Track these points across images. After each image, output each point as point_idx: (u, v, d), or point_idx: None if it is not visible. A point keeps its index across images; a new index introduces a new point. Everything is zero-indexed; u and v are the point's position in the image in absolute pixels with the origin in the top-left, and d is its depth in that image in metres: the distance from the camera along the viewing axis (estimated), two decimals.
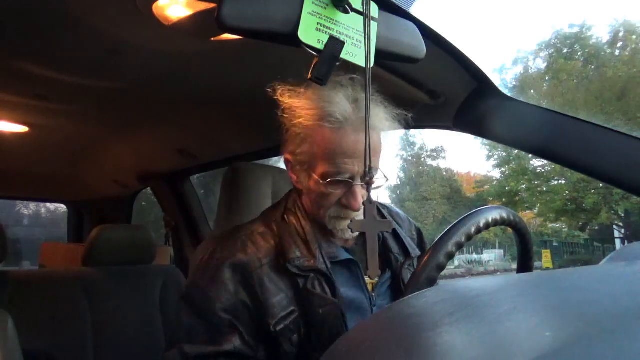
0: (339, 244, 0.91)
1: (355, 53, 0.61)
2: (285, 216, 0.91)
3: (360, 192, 0.83)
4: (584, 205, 14.30)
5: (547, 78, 16.81)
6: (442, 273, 0.75)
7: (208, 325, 0.83)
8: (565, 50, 16.48)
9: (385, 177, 0.86)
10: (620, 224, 15.11)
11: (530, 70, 17.86)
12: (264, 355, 0.85)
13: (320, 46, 0.58)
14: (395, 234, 0.98)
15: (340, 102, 0.82)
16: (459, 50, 0.97)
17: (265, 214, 0.96)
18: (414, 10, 0.79)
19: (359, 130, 0.81)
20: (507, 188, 16.35)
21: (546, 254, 15.20)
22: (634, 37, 15.03)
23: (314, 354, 0.81)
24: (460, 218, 0.78)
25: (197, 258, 0.94)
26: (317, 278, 0.83)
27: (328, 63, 0.58)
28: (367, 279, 0.89)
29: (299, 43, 0.57)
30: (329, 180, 0.83)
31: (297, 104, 0.85)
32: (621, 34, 15.32)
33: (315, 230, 0.88)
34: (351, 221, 0.67)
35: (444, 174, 26.97)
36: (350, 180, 0.83)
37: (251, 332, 0.83)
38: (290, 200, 0.93)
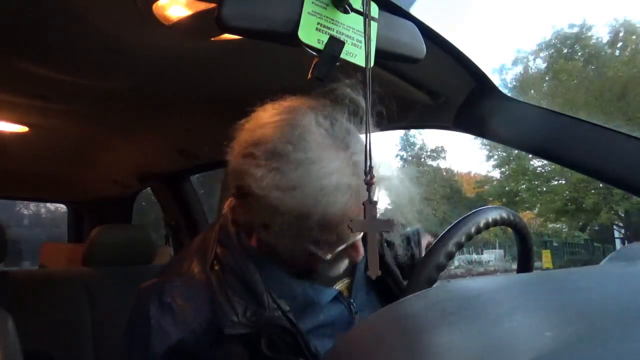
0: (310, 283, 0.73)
1: (355, 53, 0.61)
2: (220, 254, 0.70)
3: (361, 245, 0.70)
4: (584, 205, 14.31)
5: (547, 78, 16.82)
6: (442, 273, 0.75)
7: None
8: (565, 50, 16.48)
9: None
10: (620, 224, 15.11)
11: (530, 70, 17.86)
12: None
13: (320, 46, 0.58)
14: None
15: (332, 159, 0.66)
16: (459, 50, 0.97)
17: (201, 248, 0.74)
18: (414, 10, 0.79)
19: None
20: (507, 188, 16.37)
21: (546, 254, 15.22)
22: (634, 37, 15.03)
23: None
24: (460, 218, 0.78)
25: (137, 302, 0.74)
26: (276, 333, 0.65)
27: (328, 63, 0.58)
28: (341, 285, 0.79)
29: (299, 43, 0.57)
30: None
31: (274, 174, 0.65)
32: (621, 34, 15.33)
33: (271, 273, 0.69)
34: (351, 221, 0.58)
35: (444, 174, 26.96)
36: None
37: None
38: (223, 234, 0.72)
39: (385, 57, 0.66)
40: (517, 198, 16.04)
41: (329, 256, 0.68)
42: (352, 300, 0.78)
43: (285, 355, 0.64)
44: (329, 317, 0.74)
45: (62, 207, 3.30)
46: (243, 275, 0.68)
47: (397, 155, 27.65)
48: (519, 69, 18.27)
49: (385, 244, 0.91)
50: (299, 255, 0.69)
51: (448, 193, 25.64)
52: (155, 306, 0.68)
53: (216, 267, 0.69)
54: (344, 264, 0.74)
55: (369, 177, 0.58)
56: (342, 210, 0.64)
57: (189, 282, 0.69)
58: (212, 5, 0.85)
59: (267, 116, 0.72)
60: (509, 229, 0.85)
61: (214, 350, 0.64)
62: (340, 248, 0.68)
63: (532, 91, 16.26)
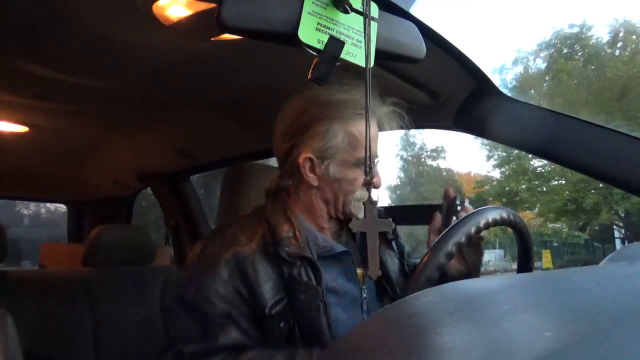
0: (330, 237, 0.96)
1: (355, 53, 0.61)
2: (273, 213, 0.94)
3: (379, 173, 0.96)
4: (584, 205, 14.28)
5: (547, 78, 16.79)
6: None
7: (203, 319, 0.83)
8: (565, 50, 16.45)
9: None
10: (620, 224, 15.10)
11: (530, 70, 17.82)
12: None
13: (320, 46, 0.58)
14: None
15: (358, 93, 0.89)
16: (459, 50, 0.97)
17: (252, 213, 0.99)
18: (414, 10, 0.79)
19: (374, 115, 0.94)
20: (507, 188, 16.34)
21: (546, 254, 15.20)
22: (634, 37, 15.02)
23: (298, 343, 0.83)
24: (461, 218, 0.78)
25: (188, 258, 0.96)
26: (304, 266, 0.86)
27: (328, 63, 0.58)
28: (359, 270, 0.94)
29: (299, 43, 0.57)
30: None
31: (320, 102, 0.91)
32: (621, 34, 15.31)
33: (303, 225, 0.93)
34: (351, 221, 0.68)
35: (444, 174, 26.92)
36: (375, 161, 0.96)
37: (248, 320, 0.84)
38: (277, 201, 0.97)
39: (385, 57, 0.66)
40: (517, 198, 16.02)
41: (360, 173, 0.91)
42: (363, 287, 0.93)
43: (306, 282, 0.86)
44: (343, 286, 0.91)
45: (62, 207, 3.30)
46: (291, 224, 0.91)
47: (397, 155, 27.66)
48: (519, 69, 18.24)
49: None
50: (344, 187, 0.92)
51: None
52: (222, 237, 0.91)
53: (271, 221, 0.93)
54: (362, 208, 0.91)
55: (369, 177, 0.58)
56: (375, 129, 0.93)
57: (248, 225, 0.93)
58: (212, 5, 0.85)
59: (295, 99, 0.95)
60: (509, 229, 0.85)
61: (262, 264, 0.86)
62: (375, 163, 0.94)
63: (532, 91, 16.23)
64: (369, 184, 0.62)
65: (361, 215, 0.91)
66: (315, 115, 0.90)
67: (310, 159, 0.92)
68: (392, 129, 0.96)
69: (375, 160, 0.96)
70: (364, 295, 0.91)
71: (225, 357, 0.81)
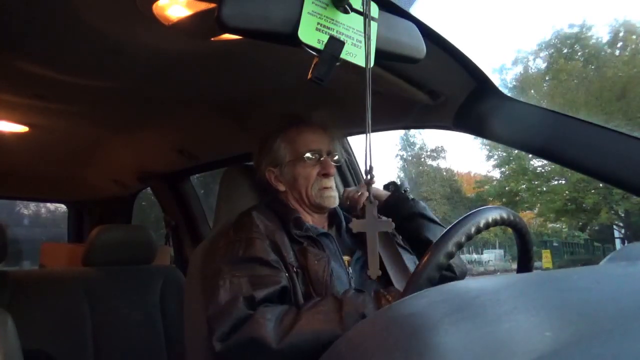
0: (316, 226, 1.14)
1: (355, 53, 0.61)
2: (275, 207, 1.13)
3: (329, 162, 1.14)
4: (584, 205, 14.27)
5: (547, 78, 16.78)
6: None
7: (259, 268, 0.97)
8: (565, 50, 16.43)
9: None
10: (620, 224, 15.08)
11: (530, 70, 17.80)
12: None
13: (320, 46, 0.58)
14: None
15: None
16: (459, 50, 0.97)
17: (256, 206, 1.15)
18: (414, 10, 0.79)
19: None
20: (507, 188, 16.33)
21: (546, 254, 15.18)
22: (634, 37, 15.00)
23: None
24: (460, 218, 0.78)
25: (217, 242, 1.09)
26: (309, 244, 1.05)
27: (328, 63, 0.58)
28: (345, 258, 1.10)
29: (299, 43, 0.57)
30: (311, 153, 1.13)
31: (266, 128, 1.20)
32: (621, 34, 15.30)
33: (299, 215, 1.13)
34: (351, 221, 0.68)
35: (444, 174, 26.89)
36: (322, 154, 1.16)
37: (283, 270, 1.00)
38: (270, 201, 1.17)
39: (385, 57, 0.66)
40: (517, 198, 16.00)
41: (311, 165, 1.13)
42: (350, 270, 1.09)
43: (314, 251, 1.04)
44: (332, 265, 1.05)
45: (62, 207, 3.30)
46: (292, 215, 1.11)
47: (397, 155, 27.65)
48: (519, 69, 18.19)
49: None
50: (301, 181, 1.12)
51: (448, 193, 25.56)
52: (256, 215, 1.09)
53: (276, 207, 1.14)
54: (335, 193, 1.15)
55: (369, 177, 0.58)
56: (306, 129, 1.17)
57: (268, 214, 1.11)
58: (212, 5, 0.85)
59: None
60: (509, 229, 0.85)
61: (285, 241, 1.04)
62: (317, 153, 1.14)
63: (532, 91, 16.21)
64: (369, 184, 0.62)
65: (328, 202, 1.13)
66: (264, 139, 1.18)
67: (271, 170, 1.16)
68: (337, 131, 1.20)
69: (325, 154, 1.16)
70: (351, 276, 1.06)
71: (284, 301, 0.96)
